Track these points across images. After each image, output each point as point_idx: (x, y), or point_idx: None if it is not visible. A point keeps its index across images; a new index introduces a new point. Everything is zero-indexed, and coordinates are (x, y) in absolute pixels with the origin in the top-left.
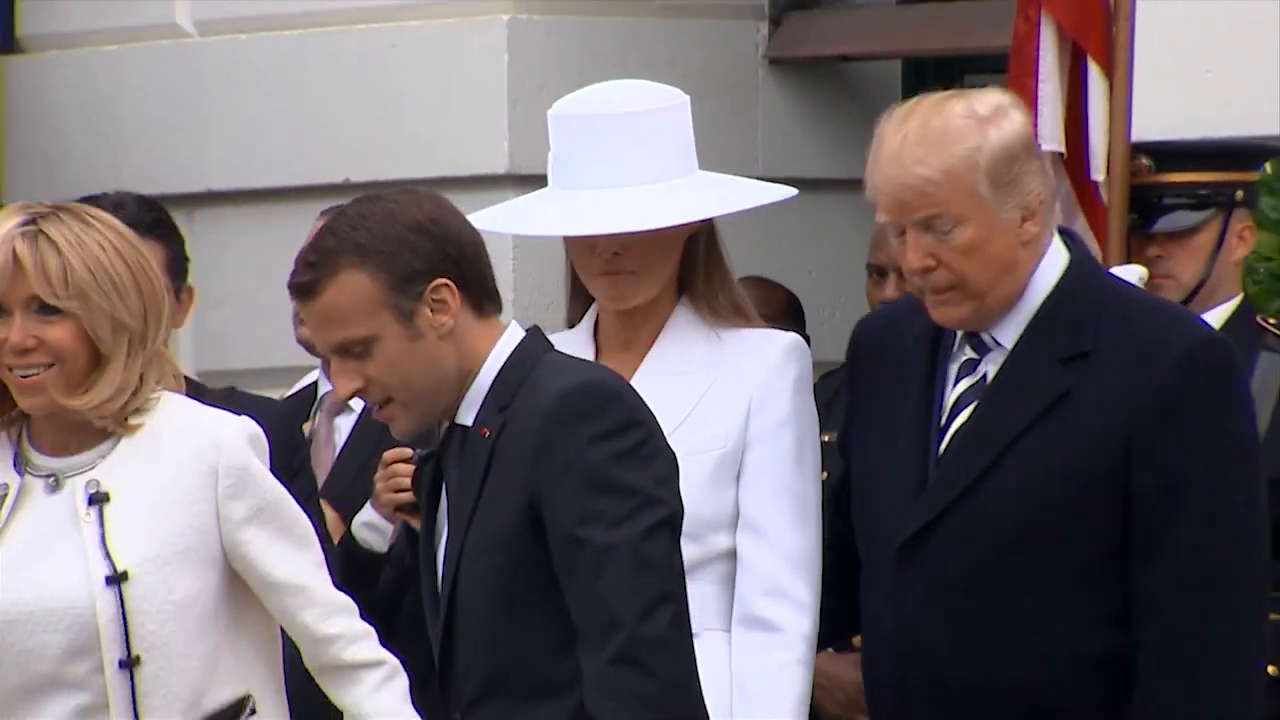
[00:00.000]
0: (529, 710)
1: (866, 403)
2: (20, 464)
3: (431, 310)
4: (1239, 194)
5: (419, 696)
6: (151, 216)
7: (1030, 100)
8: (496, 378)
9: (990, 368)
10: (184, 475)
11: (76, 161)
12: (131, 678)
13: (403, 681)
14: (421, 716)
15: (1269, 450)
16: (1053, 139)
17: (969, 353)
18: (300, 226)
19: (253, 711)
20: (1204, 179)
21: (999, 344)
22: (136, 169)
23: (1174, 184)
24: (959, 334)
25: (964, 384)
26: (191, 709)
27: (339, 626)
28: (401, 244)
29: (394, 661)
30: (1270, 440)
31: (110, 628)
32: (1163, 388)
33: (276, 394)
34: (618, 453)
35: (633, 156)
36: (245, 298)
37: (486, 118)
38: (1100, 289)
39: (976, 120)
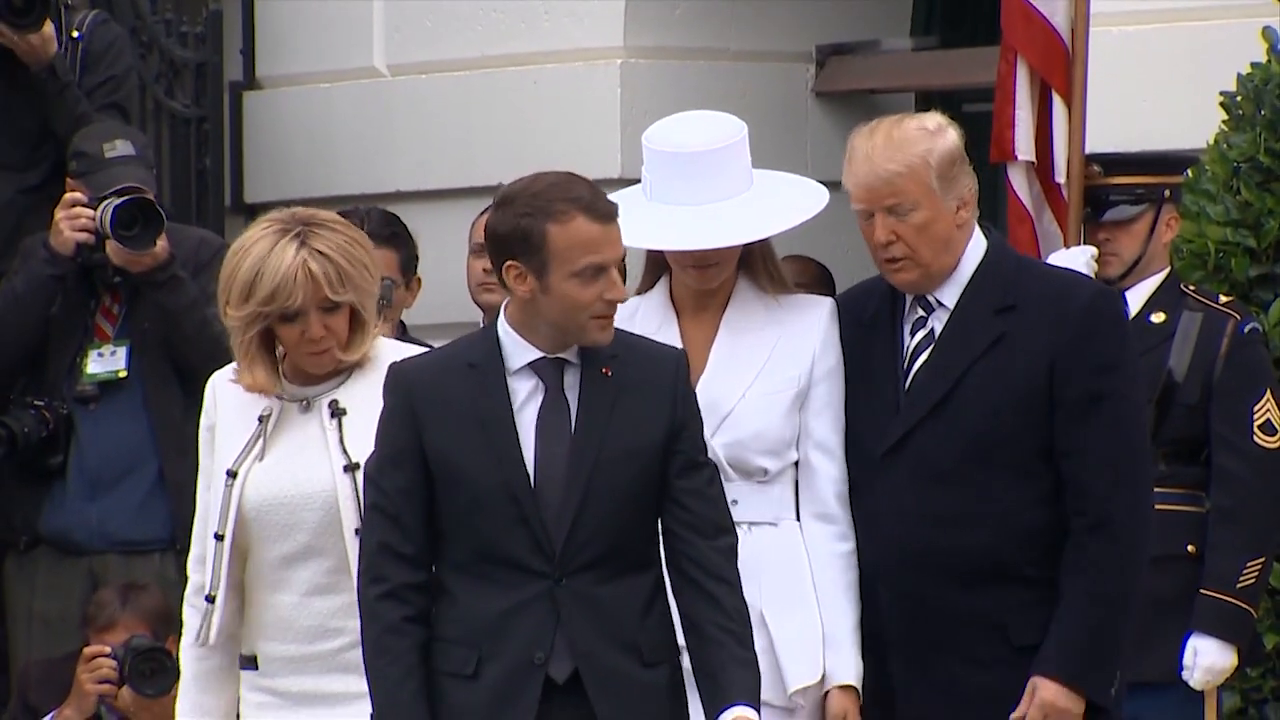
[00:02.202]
0: (629, 577)
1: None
2: (279, 393)
3: None
4: (1167, 192)
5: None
6: (390, 231)
7: (1010, 122)
8: None
9: (937, 323)
10: None
11: (298, 170)
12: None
13: None
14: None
15: (1187, 384)
16: (1027, 151)
17: (919, 312)
18: (465, 217)
19: None
20: (1141, 181)
21: (942, 304)
22: (342, 176)
23: (1118, 185)
24: (909, 300)
25: (919, 335)
26: None
27: None
28: None
29: None
30: (1189, 377)
31: (348, 504)
32: (1075, 324)
33: (448, 340)
34: None
35: (713, 181)
36: (423, 271)
37: (604, 135)
38: (1014, 261)
39: (926, 132)
